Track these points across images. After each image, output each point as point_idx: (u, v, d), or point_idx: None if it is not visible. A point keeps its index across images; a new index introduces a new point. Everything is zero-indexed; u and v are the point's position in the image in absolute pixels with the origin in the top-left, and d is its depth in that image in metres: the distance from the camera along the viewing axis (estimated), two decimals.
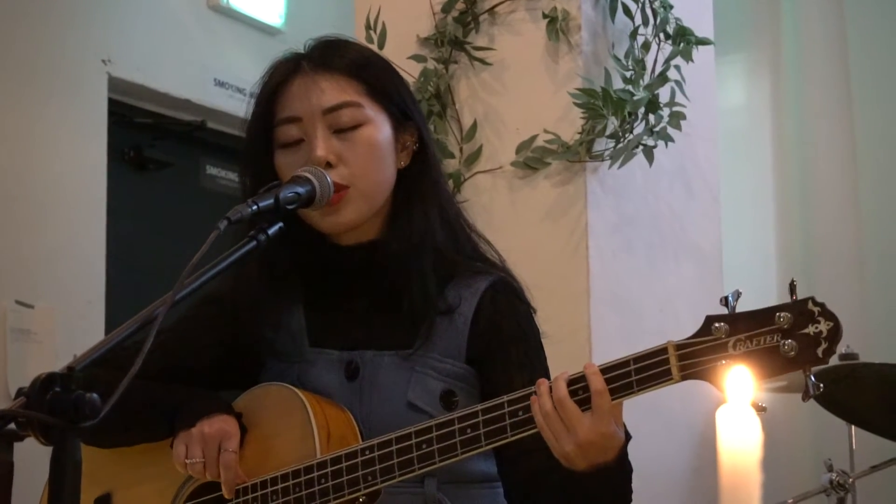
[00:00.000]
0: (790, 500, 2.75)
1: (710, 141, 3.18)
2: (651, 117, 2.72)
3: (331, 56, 1.71)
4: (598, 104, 2.62)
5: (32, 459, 1.30)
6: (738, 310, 1.42)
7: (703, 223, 3.12)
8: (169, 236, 4.39)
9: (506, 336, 1.69)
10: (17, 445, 1.15)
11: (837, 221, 4.09)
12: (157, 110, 4.51)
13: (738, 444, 0.82)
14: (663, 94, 2.77)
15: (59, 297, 3.89)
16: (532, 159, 2.74)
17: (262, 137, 1.70)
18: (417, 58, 2.86)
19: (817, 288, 3.91)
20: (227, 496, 1.64)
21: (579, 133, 2.70)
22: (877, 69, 4.23)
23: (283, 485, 1.61)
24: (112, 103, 4.23)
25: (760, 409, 1.29)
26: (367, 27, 2.86)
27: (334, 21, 3.44)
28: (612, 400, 1.45)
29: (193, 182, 4.70)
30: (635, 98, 2.69)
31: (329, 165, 1.64)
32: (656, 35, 2.82)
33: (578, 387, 1.47)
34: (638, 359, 1.44)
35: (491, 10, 2.85)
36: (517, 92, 2.82)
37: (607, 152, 2.70)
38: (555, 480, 1.53)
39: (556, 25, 2.72)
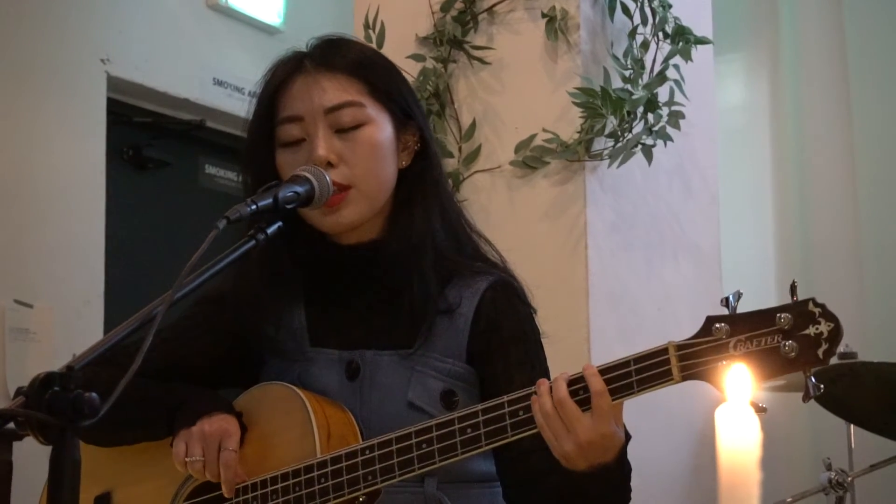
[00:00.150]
0: (789, 499, 2.76)
1: (708, 140, 3.18)
2: (650, 116, 2.72)
3: (333, 55, 1.71)
4: (596, 103, 2.62)
5: (32, 459, 1.31)
6: (738, 310, 1.42)
7: (701, 222, 3.12)
8: (168, 235, 4.39)
9: (506, 336, 1.68)
10: (16, 445, 1.15)
11: (836, 219, 4.09)
12: (155, 109, 4.51)
13: (737, 443, 0.82)
14: (662, 93, 2.77)
15: (58, 296, 3.89)
16: (531, 158, 2.74)
17: (263, 136, 1.70)
18: (416, 57, 2.86)
19: (816, 286, 3.91)
20: (226, 495, 1.63)
21: (578, 132, 2.70)
22: (875, 69, 4.23)
23: (283, 484, 1.61)
24: (111, 102, 4.23)
25: (761, 410, 1.29)
26: (366, 26, 2.86)
27: (333, 20, 3.43)
28: (613, 400, 1.45)
29: (192, 181, 4.70)
30: (634, 97, 2.69)
31: (330, 165, 1.64)
32: (655, 34, 2.82)
33: (579, 387, 1.47)
34: (638, 359, 1.44)
35: (490, 10, 2.85)
36: (516, 91, 2.82)
37: (606, 151, 2.70)
38: (554, 481, 1.53)
39: (555, 25, 2.72)
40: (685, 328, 1.46)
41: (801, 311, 1.39)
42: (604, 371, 1.46)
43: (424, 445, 1.53)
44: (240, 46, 4.68)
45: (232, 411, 1.67)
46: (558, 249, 2.71)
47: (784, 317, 1.39)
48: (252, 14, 4.74)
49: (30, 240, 3.86)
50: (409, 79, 2.70)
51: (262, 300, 1.73)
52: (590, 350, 2.64)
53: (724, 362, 1.40)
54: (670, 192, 3.01)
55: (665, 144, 2.77)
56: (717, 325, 1.41)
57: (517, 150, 2.76)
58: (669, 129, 2.76)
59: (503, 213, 2.77)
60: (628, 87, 2.72)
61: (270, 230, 1.51)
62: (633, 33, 2.81)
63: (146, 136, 4.49)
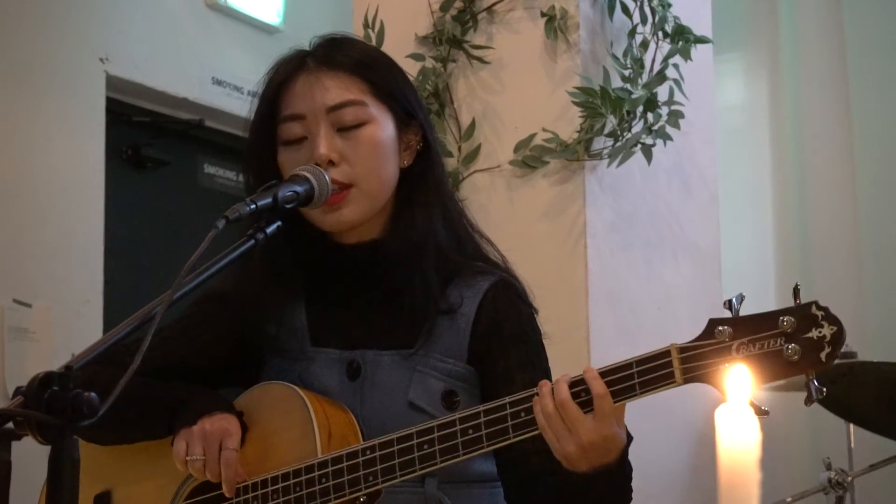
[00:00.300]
0: (789, 499, 2.76)
1: (708, 139, 3.18)
2: (649, 116, 2.72)
3: (336, 54, 1.70)
4: (596, 103, 2.62)
5: (31, 458, 1.30)
6: (740, 312, 1.41)
7: (701, 221, 3.12)
8: (167, 235, 4.39)
9: (507, 336, 1.68)
10: (15, 444, 1.15)
11: (835, 219, 4.09)
12: (154, 109, 4.51)
13: (737, 443, 0.82)
14: (662, 92, 2.77)
15: (57, 295, 3.88)
16: (530, 158, 2.74)
17: (265, 135, 1.70)
18: (416, 56, 2.86)
19: (815, 286, 3.92)
20: (227, 494, 1.63)
21: (578, 132, 2.69)
22: (875, 68, 4.23)
23: (284, 484, 1.61)
24: (110, 102, 4.23)
25: (762, 413, 1.29)
26: (366, 25, 2.85)
27: (332, 20, 3.42)
28: (615, 402, 1.45)
29: (191, 180, 4.69)
30: (633, 97, 2.69)
31: (332, 164, 1.64)
32: (655, 34, 2.82)
33: (580, 388, 1.47)
34: (640, 361, 1.44)
35: (489, 9, 2.85)
36: (515, 90, 2.82)
37: (605, 151, 2.70)
38: (555, 482, 1.53)
39: (555, 24, 2.72)
40: (685, 328, 1.46)
41: (804, 315, 1.39)
42: (606, 373, 1.46)
43: (426, 446, 1.53)
44: (239, 46, 4.68)
45: (233, 411, 1.67)
46: (558, 249, 2.71)
47: (787, 320, 1.38)
48: (251, 13, 4.73)
49: (29, 239, 3.85)
50: (409, 78, 2.71)
51: (263, 299, 1.73)
52: (589, 350, 2.64)
53: (727, 365, 1.39)
54: (670, 192, 3.00)
55: (664, 144, 2.77)
56: (720, 328, 1.41)
57: (517, 149, 2.76)
58: (669, 129, 2.75)
59: (502, 212, 2.77)
60: (628, 86, 2.72)
61: (270, 230, 1.50)
62: (632, 33, 2.81)
63: (145, 136, 4.49)
